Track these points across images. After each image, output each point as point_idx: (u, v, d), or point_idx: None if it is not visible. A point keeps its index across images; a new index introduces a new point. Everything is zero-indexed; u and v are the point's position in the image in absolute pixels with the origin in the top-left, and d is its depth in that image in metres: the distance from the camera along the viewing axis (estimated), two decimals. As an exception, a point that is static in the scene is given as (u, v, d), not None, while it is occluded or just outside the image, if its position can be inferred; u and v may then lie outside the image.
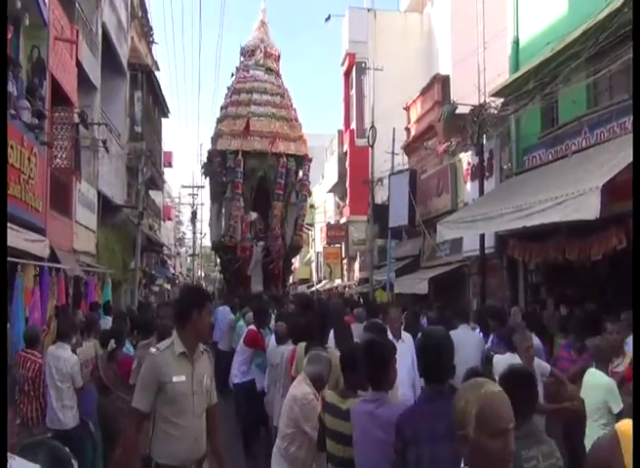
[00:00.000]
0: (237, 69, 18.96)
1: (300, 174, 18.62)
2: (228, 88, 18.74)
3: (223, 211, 18.15)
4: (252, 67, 18.52)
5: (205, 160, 19.89)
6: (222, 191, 17.97)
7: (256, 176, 17.50)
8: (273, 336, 6.41)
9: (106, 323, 8.59)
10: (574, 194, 6.73)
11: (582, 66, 8.28)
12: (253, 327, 7.35)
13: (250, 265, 16.73)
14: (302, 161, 18.26)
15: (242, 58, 19.04)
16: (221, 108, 18.57)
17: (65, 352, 5.44)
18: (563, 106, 9.62)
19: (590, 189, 6.44)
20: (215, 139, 18.03)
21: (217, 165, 17.75)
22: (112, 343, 5.54)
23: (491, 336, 5.95)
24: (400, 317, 5.65)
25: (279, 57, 19.27)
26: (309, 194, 19.54)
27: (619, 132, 8.28)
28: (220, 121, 18.22)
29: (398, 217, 15.49)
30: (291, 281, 28.12)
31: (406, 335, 5.53)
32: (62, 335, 5.59)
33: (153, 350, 3.07)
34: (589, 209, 6.37)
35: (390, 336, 4.90)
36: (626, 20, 7.26)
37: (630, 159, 6.68)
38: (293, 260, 21.58)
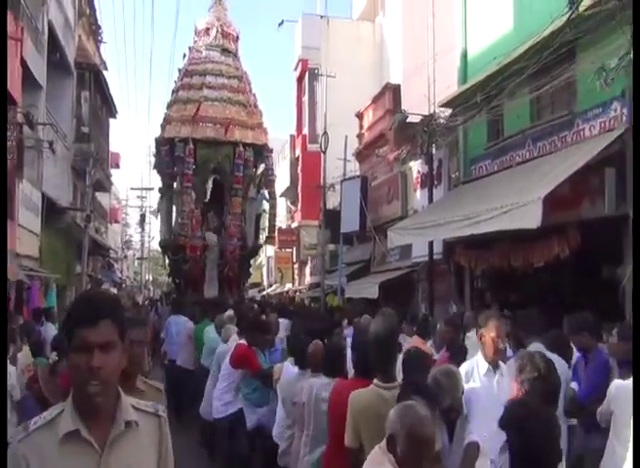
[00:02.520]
0: (190, 50, 17.39)
1: (262, 167, 17.17)
2: (179, 70, 17.21)
3: (174, 207, 16.61)
4: (206, 48, 16.95)
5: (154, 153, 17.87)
6: (171, 184, 16.57)
7: (208, 168, 15.96)
8: (287, 363, 5.01)
9: (48, 330, 8.31)
10: (517, 204, 7.00)
11: (526, 82, 8.62)
12: (243, 341, 5.72)
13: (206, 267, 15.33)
14: (262, 151, 16.66)
15: (196, 38, 17.52)
16: (172, 92, 17.09)
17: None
18: (508, 119, 9.99)
19: (533, 200, 6.72)
20: (163, 126, 16.48)
21: (164, 154, 16.15)
22: (54, 356, 5.22)
23: (574, 358, 4.84)
24: (505, 334, 3.92)
25: (237, 37, 17.81)
26: (273, 192, 17.72)
27: (559, 145, 8.67)
28: (169, 106, 16.70)
29: (349, 223, 15.68)
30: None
31: (508, 365, 3.78)
32: None
33: (19, 432, 1.65)
34: (532, 218, 6.63)
35: (485, 367, 3.68)
36: (567, 40, 7.64)
37: (570, 172, 7.05)
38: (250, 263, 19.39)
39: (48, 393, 5.19)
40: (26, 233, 12.23)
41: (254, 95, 17.21)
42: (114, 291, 28.76)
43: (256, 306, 13.38)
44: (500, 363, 3.73)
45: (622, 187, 6.83)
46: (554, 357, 4.02)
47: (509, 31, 9.97)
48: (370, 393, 3.16)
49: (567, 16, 7.22)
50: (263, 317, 7.75)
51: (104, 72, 20.90)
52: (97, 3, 21.47)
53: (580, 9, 7.06)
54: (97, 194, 21.55)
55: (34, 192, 12.89)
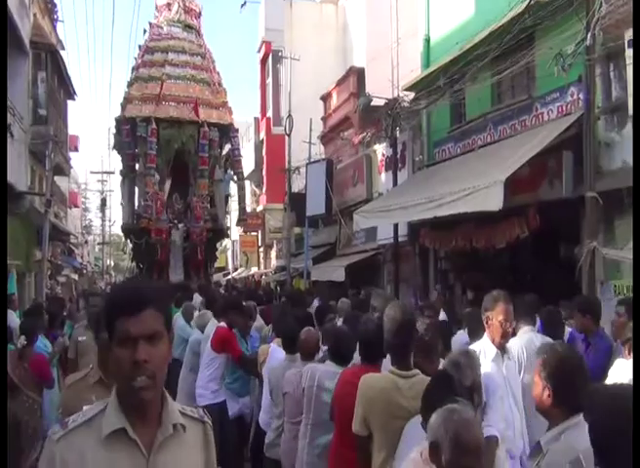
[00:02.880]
0: (151, 26, 16.69)
1: (228, 147, 16.82)
2: (140, 47, 16.50)
3: (136, 188, 16.02)
4: (168, 23, 16.31)
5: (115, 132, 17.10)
6: (133, 165, 15.93)
7: (172, 148, 15.33)
8: (274, 346, 4.79)
9: (9, 317, 8.17)
10: (479, 187, 7.18)
11: (488, 66, 8.81)
12: (223, 324, 5.46)
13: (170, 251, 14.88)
14: (227, 131, 16.24)
15: (157, 14, 16.86)
16: (132, 70, 16.38)
17: None
18: (470, 103, 10.19)
19: (494, 182, 6.90)
20: (124, 105, 15.81)
21: (125, 134, 15.54)
22: (22, 340, 5.19)
23: (566, 335, 4.70)
24: (512, 315, 3.55)
25: (200, 13, 17.20)
26: (241, 173, 17.30)
27: (519, 129, 8.92)
28: (130, 84, 15.98)
29: (315, 206, 15.76)
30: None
31: (514, 347, 3.78)
32: None
33: (56, 431, 1.50)
34: (493, 200, 6.82)
35: (492, 351, 3.44)
36: (527, 26, 7.83)
37: (529, 155, 7.28)
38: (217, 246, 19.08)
39: (17, 378, 5.15)
40: (-16, 219, 11.88)
41: (218, 73, 16.76)
42: (75, 277, 28.24)
43: (222, 291, 13.32)
44: (507, 346, 3.56)
45: (579, 170, 7.09)
46: (547, 340, 3.97)
47: (471, 17, 10.12)
48: (384, 379, 2.98)
49: (526, 2, 7.40)
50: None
51: (62, 52, 20.28)
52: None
53: (539, -4, 7.24)
54: (55, 178, 20.99)
55: (-9, 176, 12.51)
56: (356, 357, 3.60)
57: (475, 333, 4.10)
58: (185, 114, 15.31)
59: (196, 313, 7.30)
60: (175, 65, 15.71)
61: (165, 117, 15.24)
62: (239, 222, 20.47)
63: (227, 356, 5.35)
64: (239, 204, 18.06)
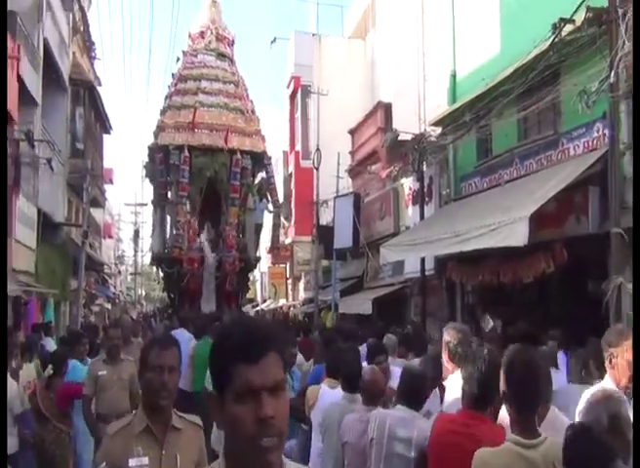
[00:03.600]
0: (184, 54, 16.96)
1: (260, 175, 16.81)
2: (173, 75, 16.70)
3: (168, 217, 16.03)
4: (201, 51, 16.50)
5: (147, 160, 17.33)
6: (165, 194, 15.97)
7: (204, 176, 15.27)
8: (324, 387, 4.24)
9: (47, 344, 8.45)
10: (505, 222, 7.22)
11: (514, 102, 8.90)
12: None
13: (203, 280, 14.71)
14: (260, 159, 16.17)
15: (190, 43, 17.09)
16: (165, 98, 16.62)
17: None
18: (496, 138, 10.27)
19: (520, 218, 6.94)
20: (156, 133, 15.87)
21: (158, 162, 15.53)
22: (49, 369, 5.33)
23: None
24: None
25: (233, 41, 17.42)
26: (277, 200, 17.24)
27: (545, 164, 8.94)
28: (162, 112, 16.15)
29: (343, 239, 15.87)
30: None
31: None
32: None
33: None
34: (518, 236, 6.84)
35: None
36: (551, 63, 7.93)
37: (555, 190, 7.29)
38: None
39: (44, 408, 5.28)
40: (22, 248, 12.32)
41: (251, 101, 16.89)
42: (108, 306, 28.73)
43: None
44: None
45: (605, 205, 7.07)
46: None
47: (496, 54, 10.27)
48: (505, 454, 2.27)
49: (550, 40, 7.51)
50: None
51: (98, 88, 21.15)
52: (90, 19, 21.66)
53: (563, 34, 7.36)
54: (91, 209, 21.67)
55: (30, 207, 13.02)
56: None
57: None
58: (218, 142, 15.34)
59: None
60: (208, 93, 15.89)
61: (198, 145, 15.30)
62: (272, 250, 20.44)
63: None
64: (273, 232, 18.04)
